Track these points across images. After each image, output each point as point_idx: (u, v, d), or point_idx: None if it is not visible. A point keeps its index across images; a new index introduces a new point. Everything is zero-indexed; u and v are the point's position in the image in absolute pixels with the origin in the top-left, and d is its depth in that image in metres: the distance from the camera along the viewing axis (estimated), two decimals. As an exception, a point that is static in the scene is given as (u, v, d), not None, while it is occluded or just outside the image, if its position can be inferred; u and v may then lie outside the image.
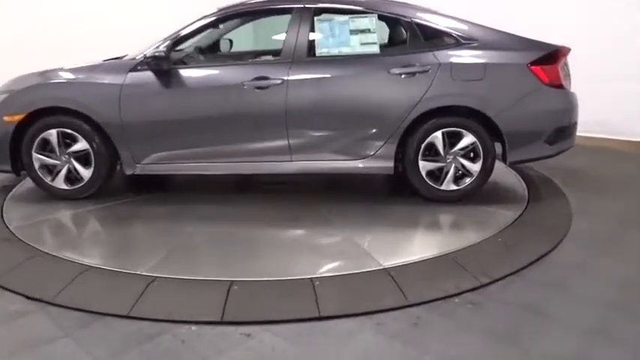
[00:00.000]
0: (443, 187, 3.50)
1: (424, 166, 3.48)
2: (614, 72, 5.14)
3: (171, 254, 2.84)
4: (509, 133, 3.39)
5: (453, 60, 3.38)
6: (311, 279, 2.53)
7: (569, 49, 3.53)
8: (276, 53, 3.76)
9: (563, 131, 3.49)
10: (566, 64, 3.55)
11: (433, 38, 3.49)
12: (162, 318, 2.24)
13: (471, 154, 3.46)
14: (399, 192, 3.76)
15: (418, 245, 3.06)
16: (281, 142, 3.49)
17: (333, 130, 3.48)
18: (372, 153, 3.48)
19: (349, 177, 4.08)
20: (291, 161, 3.55)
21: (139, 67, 3.50)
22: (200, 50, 4.03)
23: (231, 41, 4.52)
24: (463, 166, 3.48)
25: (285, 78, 3.41)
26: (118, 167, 3.69)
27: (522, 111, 3.37)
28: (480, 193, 3.56)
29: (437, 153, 3.46)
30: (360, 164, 3.51)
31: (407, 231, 3.18)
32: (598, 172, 4.49)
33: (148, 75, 3.48)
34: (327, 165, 3.55)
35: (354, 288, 2.47)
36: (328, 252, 2.88)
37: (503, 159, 3.52)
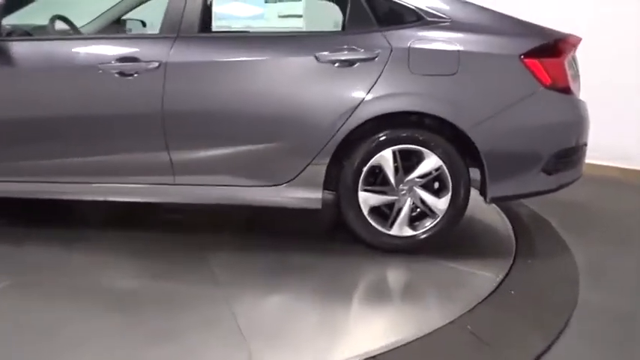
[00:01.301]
0: (393, 232, 2.40)
1: (366, 199, 2.38)
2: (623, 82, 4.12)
3: None
4: (490, 156, 2.32)
5: (412, 44, 2.30)
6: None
7: (579, 39, 2.48)
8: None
9: (568, 156, 2.44)
10: (574, 60, 2.50)
11: (384, 12, 2.41)
12: None
13: (435, 185, 2.40)
14: (340, 233, 2.62)
15: (333, 336, 1.86)
16: (158, 156, 2.39)
17: (233, 141, 2.37)
18: (290, 178, 2.37)
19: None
20: (174, 184, 2.43)
21: (-49, 38, 2.37)
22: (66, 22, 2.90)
23: (143, 23, 3.42)
24: (423, 201, 2.38)
25: (164, 60, 2.31)
26: None
27: (511, 123, 2.31)
28: (446, 242, 2.45)
29: (385, 181, 2.37)
30: (272, 193, 2.40)
31: (324, 306, 2.02)
32: (609, 212, 3.42)
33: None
34: (225, 193, 2.44)
35: None
36: (183, 343, 1.72)
37: (482, 193, 2.44)
